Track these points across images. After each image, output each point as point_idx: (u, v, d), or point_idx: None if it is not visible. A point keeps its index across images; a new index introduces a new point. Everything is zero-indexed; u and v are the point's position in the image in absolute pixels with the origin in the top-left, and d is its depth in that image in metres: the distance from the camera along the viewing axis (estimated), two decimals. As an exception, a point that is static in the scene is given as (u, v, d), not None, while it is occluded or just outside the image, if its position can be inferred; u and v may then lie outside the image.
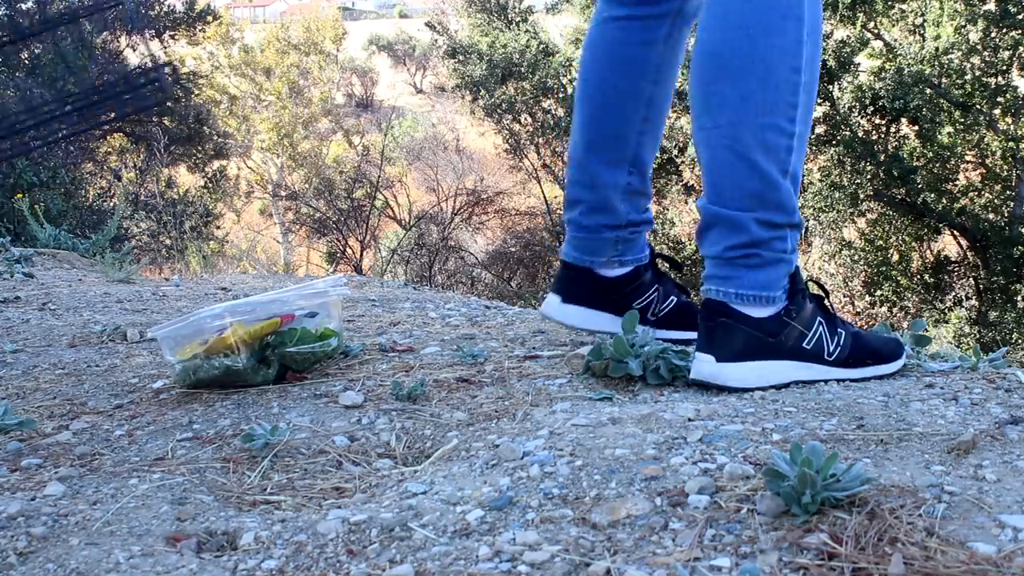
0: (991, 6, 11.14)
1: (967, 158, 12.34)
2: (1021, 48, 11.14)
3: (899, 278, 12.24)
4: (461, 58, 15.29)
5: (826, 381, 1.40)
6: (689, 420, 1.21)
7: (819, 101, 12.98)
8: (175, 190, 13.46)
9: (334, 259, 15.66)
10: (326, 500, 1.11)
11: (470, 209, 15.99)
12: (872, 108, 11.73)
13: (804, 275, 1.45)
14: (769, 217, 1.37)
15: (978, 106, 11.59)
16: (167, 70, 2.83)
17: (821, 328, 1.41)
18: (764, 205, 1.36)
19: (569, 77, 14.63)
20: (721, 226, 1.38)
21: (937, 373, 1.43)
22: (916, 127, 11.89)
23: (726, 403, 1.29)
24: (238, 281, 3.54)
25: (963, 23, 11.30)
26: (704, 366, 1.38)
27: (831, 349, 1.40)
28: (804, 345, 1.39)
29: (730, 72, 1.34)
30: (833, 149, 11.27)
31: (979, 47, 11.32)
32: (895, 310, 12.01)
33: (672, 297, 1.72)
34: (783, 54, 1.34)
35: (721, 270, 1.39)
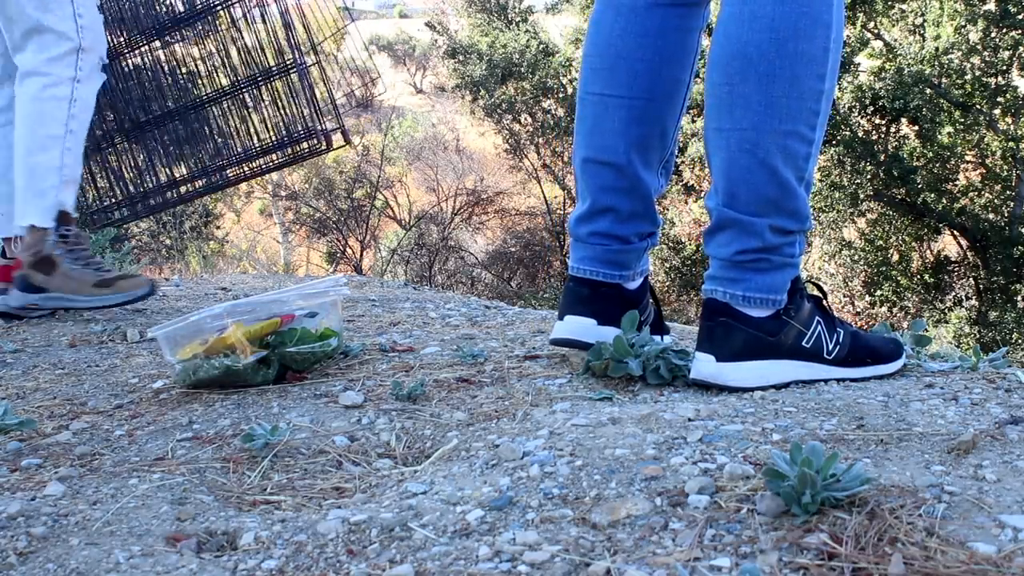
0: (991, 6, 11.14)
1: (967, 158, 12.35)
2: (1021, 48, 11.15)
3: (899, 278, 12.25)
4: (461, 58, 15.30)
5: (826, 381, 1.40)
6: (689, 420, 1.21)
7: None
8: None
9: (334, 259, 15.67)
10: (326, 500, 1.11)
11: (470, 209, 16.00)
12: (872, 108, 11.74)
13: (803, 275, 1.45)
14: (783, 224, 1.36)
15: (978, 106, 11.60)
16: (335, 133, 3.07)
17: (820, 327, 1.41)
18: (779, 212, 1.35)
19: (569, 77, 14.64)
20: (733, 229, 1.37)
21: (937, 373, 1.44)
22: (916, 127, 11.90)
23: (726, 403, 1.29)
24: (238, 281, 3.54)
25: (963, 23, 11.31)
26: (704, 366, 1.38)
27: (830, 348, 1.40)
28: (803, 344, 1.39)
29: (756, 75, 1.31)
30: (833, 149, 11.28)
31: (979, 47, 11.33)
32: (895, 310, 12.02)
33: (652, 302, 1.68)
34: (810, 61, 1.31)
35: (728, 272, 1.38)
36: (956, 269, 12.42)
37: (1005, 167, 11.99)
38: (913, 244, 12.71)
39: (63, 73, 2.22)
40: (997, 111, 11.68)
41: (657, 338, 1.53)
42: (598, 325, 1.55)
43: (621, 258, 1.56)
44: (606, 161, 1.53)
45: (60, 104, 2.22)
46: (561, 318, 1.58)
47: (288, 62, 3.19)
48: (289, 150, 3.25)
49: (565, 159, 15.01)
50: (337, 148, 3.31)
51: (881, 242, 12.52)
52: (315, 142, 3.18)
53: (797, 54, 1.30)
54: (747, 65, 1.31)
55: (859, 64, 12.12)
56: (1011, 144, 11.54)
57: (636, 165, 1.53)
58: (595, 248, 1.56)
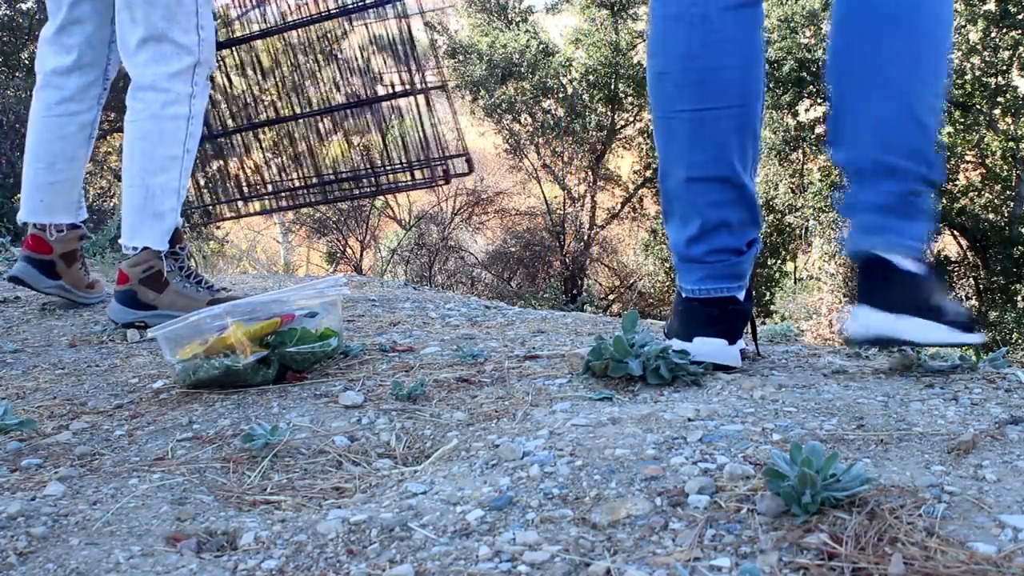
0: (991, 6, 11.15)
1: (967, 158, 12.35)
2: (1021, 48, 11.16)
3: (899, 278, 12.22)
4: (461, 58, 15.30)
5: (919, 351, 1.46)
6: (689, 420, 1.21)
7: (819, 100, 12.98)
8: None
9: (334, 259, 15.67)
10: (326, 500, 1.11)
11: (470, 209, 15.99)
12: (872, 108, 11.72)
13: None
14: (927, 174, 1.42)
15: (978, 106, 11.60)
16: (459, 161, 2.98)
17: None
18: (925, 162, 1.41)
19: (569, 77, 14.64)
20: (881, 174, 1.41)
21: (937, 373, 1.44)
22: (916, 127, 11.88)
23: (726, 403, 1.29)
24: (238, 281, 3.54)
25: (963, 23, 11.31)
26: (873, 320, 1.41)
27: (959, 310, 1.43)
28: (943, 304, 1.41)
29: (904, 33, 1.39)
30: (833, 149, 11.26)
31: (979, 47, 11.34)
32: (895, 310, 11.99)
33: None
34: (945, 21, 1.41)
35: (879, 219, 1.42)
36: (956, 269, 12.42)
37: (1005, 167, 12.00)
38: (913, 244, 12.69)
39: (181, 90, 2.16)
40: (997, 111, 11.70)
41: (660, 340, 1.53)
42: (728, 345, 1.52)
43: (738, 269, 1.53)
44: (713, 176, 1.50)
45: (179, 123, 2.17)
46: (690, 339, 1.53)
47: (409, 85, 3.06)
48: (406, 176, 3.12)
49: (565, 159, 15.00)
50: (459, 175, 3.16)
51: (881, 242, 12.50)
52: (437, 172, 3.02)
53: (937, 14, 1.40)
54: (893, 24, 1.39)
55: (859, 64, 12.10)
56: (1011, 144, 11.55)
57: (741, 174, 1.51)
58: (715, 267, 1.52)
